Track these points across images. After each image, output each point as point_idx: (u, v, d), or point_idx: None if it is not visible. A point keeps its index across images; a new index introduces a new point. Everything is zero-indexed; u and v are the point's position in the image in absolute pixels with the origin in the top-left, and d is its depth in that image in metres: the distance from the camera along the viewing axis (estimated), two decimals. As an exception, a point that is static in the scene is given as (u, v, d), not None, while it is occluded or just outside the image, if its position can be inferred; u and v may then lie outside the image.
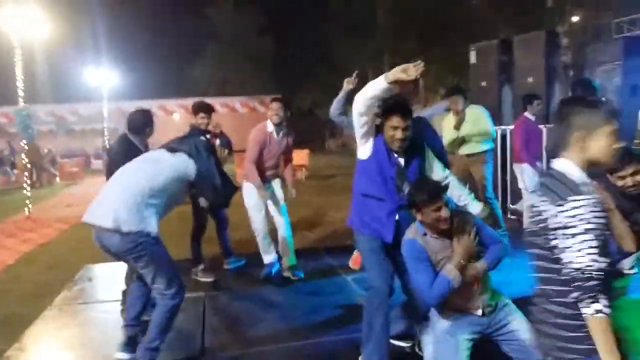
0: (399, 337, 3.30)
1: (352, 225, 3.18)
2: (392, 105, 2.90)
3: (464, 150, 5.72)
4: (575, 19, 13.01)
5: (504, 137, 7.68)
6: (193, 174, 3.29)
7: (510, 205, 7.57)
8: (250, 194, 4.78)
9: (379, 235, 3.04)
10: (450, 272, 2.58)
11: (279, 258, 4.98)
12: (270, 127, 4.78)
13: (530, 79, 7.50)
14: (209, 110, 4.94)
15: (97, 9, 27.09)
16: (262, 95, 27.90)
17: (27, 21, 10.24)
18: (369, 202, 3.06)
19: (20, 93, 10.05)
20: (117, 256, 3.18)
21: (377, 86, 2.67)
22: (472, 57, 8.44)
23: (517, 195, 7.34)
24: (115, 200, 3.04)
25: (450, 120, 5.82)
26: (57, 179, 17.19)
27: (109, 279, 5.23)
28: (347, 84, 3.90)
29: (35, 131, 11.34)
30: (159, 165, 3.23)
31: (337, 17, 21.63)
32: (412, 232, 2.76)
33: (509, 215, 7.51)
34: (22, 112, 10.21)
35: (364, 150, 3.01)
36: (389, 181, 2.99)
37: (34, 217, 9.64)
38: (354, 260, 5.03)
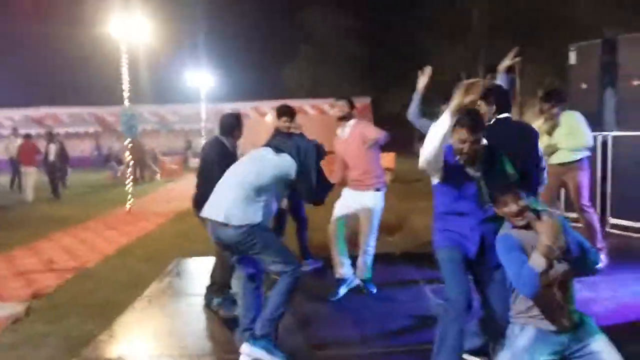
0: (472, 353, 3.18)
1: (434, 245, 3.11)
2: (461, 117, 2.84)
3: (556, 159, 5.36)
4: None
5: (604, 143, 7.15)
6: (294, 174, 3.44)
7: (611, 219, 7.02)
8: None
9: (462, 247, 2.97)
10: (535, 260, 2.50)
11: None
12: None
13: (636, 82, 6.91)
14: (291, 114, 5.02)
15: (197, 15, 28.63)
16: (353, 97, 27.98)
17: (134, 28, 11.03)
18: (450, 218, 3.03)
19: (126, 94, 10.85)
20: (230, 248, 3.43)
21: (443, 129, 2.72)
22: (572, 58, 7.91)
23: (619, 207, 6.81)
24: (227, 197, 3.33)
25: (542, 125, 5.49)
26: (158, 175, 18.36)
27: (198, 273, 5.50)
28: (422, 78, 3.83)
29: (139, 130, 12.18)
30: (265, 164, 3.44)
31: (431, 19, 21.18)
32: (504, 228, 2.78)
33: (608, 229, 6.97)
34: (127, 111, 11.02)
35: (437, 176, 2.99)
36: (470, 197, 2.94)
37: (134, 211, 10.37)
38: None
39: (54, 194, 13.00)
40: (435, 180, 3.04)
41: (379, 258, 5.08)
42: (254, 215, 3.28)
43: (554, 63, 15.15)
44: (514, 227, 2.74)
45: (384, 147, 4.90)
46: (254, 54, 33.86)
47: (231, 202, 3.29)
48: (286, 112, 5.03)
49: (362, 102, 26.45)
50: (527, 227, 2.70)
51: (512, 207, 2.68)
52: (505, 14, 17.21)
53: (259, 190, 3.33)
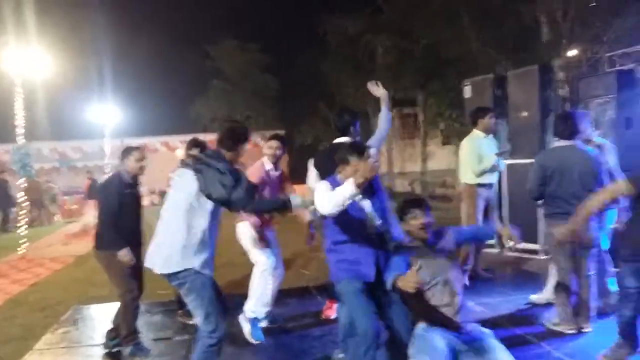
0: None
1: (332, 278, 3.13)
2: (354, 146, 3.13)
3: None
4: (572, 52, 13.11)
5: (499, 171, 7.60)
6: (196, 186, 3.06)
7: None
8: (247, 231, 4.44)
9: (360, 276, 2.99)
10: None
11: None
12: (268, 164, 4.56)
13: (524, 113, 7.48)
14: (202, 146, 4.88)
15: (100, 47, 27.57)
16: (265, 131, 28.15)
17: (29, 61, 10.40)
18: (343, 248, 3.05)
19: (19, 131, 10.12)
20: None
21: (345, 194, 2.76)
22: (467, 92, 8.45)
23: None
24: (158, 244, 3.13)
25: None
26: (57, 216, 17.17)
27: (96, 321, 5.15)
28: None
29: (36, 168, 11.38)
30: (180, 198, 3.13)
31: (338, 55, 21.91)
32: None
33: (506, 252, 7.34)
34: (20, 149, 10.26)
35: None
36: (361, 224, 3.02)
37: (29, 256, 9.56)
38: (326, 310, 4.75)
39: None
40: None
41: (293, 292, 5.00)
42: (191, 259, 3.02)
43: (453, 96, 16.14)
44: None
45: (298, 179, 4.94)
46: (164, 89, 33.14)
47: (163, 249, 3.09)
48: (197, 145, 4.89)
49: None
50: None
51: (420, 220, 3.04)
52: (408, 51, 18.19)
53: (189, 228, 3.04)
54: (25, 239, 9.87)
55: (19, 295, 6.65)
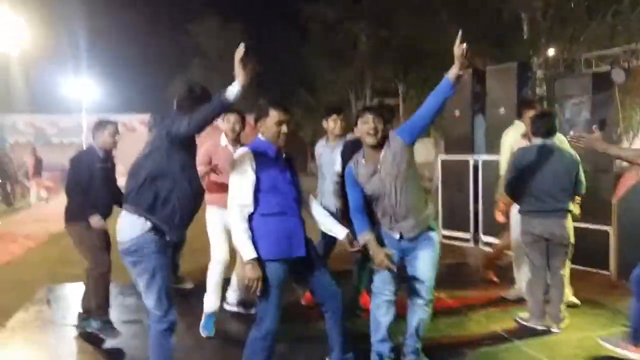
0: None
1: (259, 253, 2.85)
2: (272, 101, 3.10)
3: None
4: (550, 52, 13.32)
5: (476, 167, 7.75)
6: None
7: (482, 236, 7.59)
8: (213, 218, 4.29)
9: (289, 254, 2.92)
10: None
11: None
12: (224, 140, 4.36)
13: (502, 110, 7.60)
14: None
15: (77, 19, 26.92)
16: (246, 114, 27.96)
17: (5, 31, 10.17)
18: (269, 220, 2.91)
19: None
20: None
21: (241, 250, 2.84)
22: (446, 86, 8.54)
23: (491, 227, 7.36)
24: None
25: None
26: (32, 193, 16.88)
27: (70, 300, 5.14)
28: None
29: (10, 142, 11.18)
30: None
31: (318, 42, 21.85)
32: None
33: (480, 246, 7.53)
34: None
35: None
36: (288, 195, 2.98)
37: (1, 232, 9.43)
38: (308, 297, 4.59)
39: None
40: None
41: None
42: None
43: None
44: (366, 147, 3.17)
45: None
46: (144, 65, 32.66)
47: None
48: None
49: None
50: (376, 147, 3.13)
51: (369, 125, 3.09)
52: (388, 42, 18.25)
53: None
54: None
55: (-10, 272, 6.59)
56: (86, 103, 21.88)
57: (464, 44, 2.97)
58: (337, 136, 4.59)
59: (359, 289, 4.58)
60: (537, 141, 4.15)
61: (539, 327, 4.10)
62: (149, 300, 2.90)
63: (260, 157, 2.91)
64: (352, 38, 20.55)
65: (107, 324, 4.14)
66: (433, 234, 3.28)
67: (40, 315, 4.78)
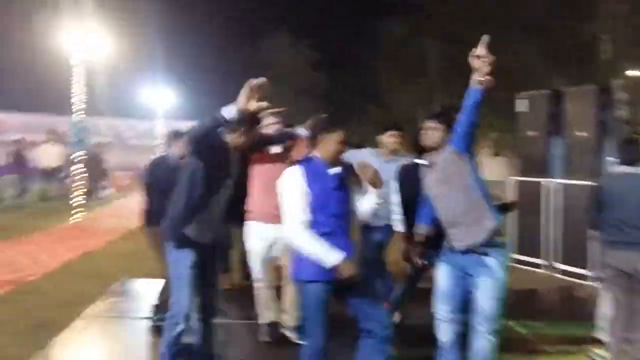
0: None
1: (297, 275, 2.89)
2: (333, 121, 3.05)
3: None
4: (633, 73, 12.66)
5: (550, 190, 7.45)
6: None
7: (556, 264, 7.25)
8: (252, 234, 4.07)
9: (332, 276, 2.80)
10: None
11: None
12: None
13: (581, 133, 7.30)
14: None
15: (157, 31, 28.40)
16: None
17: (90, 40, 10.88)
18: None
19: (78, 106, 10.64)
20: None
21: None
22: (520, 106, 8.28)
23: (567, 254, 7.03)
24: None
25: None
26: (110, 190, 17.81)
27: (144, 295, 5.31)
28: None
29: (92, 142, 11.97)
30: None
31: (389, 57, 21.82)
32: None
33: (555, 274, 7.18)
34: (78, 124, 10.80)
35: None
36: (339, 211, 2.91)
37: (83, 225, 10.02)
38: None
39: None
40: None
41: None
42: None
43: (504, 109, 15.89)
44: None
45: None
46: (215, 77, 33.83)
47: None
48: None
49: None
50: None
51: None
52: (460, 58, 17.99)
53: None
54: (81, 209, 10.35)
55: (72, 262, 7.01)
56: (162, 110, 22.94)
57: (484, 51, 2.87)
58: (391, 151, 4.55)
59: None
60: (623, 169, 3.90)
61: None
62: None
63: (312, 175, 2.85)
64: (423, 54, 20.38)
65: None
66: (491, 261, 3.01)
67: (114, 307, 5.05)
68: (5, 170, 14.44)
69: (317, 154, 2.93)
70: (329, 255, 2.75)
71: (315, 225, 2.82)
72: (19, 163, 13.66)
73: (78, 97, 10.60)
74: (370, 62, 23.08)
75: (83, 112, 10.79)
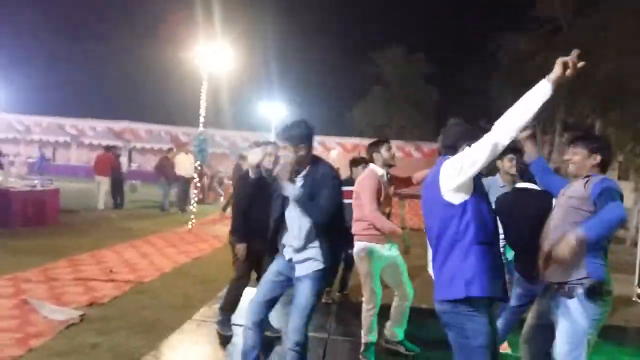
0: None
1: (475, 293, 2.45)
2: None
3: None
4: None
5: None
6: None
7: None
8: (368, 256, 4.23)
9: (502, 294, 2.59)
10: None
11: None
12: (380, 170, 4.36)
13: None
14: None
15: (272, 47, 29.69)
16: (419, 142, 27.94)
17: (217, 55, 11.54)
18: (486, 250, 2.51)
19: (202, 119, 11.31)
20: None
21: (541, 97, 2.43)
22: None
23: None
24: None
25: None
26: (222, 198, 18.79)
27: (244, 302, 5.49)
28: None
29: (209, 154, 12.65)
30: None
31: (507, 73, 20.87)
32: None
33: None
34: (200, 136, 11.46)
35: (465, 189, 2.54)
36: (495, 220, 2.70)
37: (195, 231, 10.61)
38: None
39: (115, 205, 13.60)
40: (458, 197, 2.55)
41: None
42: None
43: (635, 129, 14.49)
44: None
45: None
46: (327, 90, 34.63)
47: None
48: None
49: (430, 146, 26.25)
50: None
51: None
52: (589, 75, 16.74)
53: None
54: (193, 216, 10.99)
55: (184, 266, 7.42)
56: (274, 123, 23.89)
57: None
58: (512, 176, 4.40)
59: None
60: None
61: None
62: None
63: None
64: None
65: (225, 322, 4.63)
66: (574, 304, 2.72)
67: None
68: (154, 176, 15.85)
69: None
70: None
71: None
72: (163, 171, 14.49)
73: (202, 109, 11.27)
74: (483, 77, 22.27)
75: (204, 124, 11.46)
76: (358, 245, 4.28)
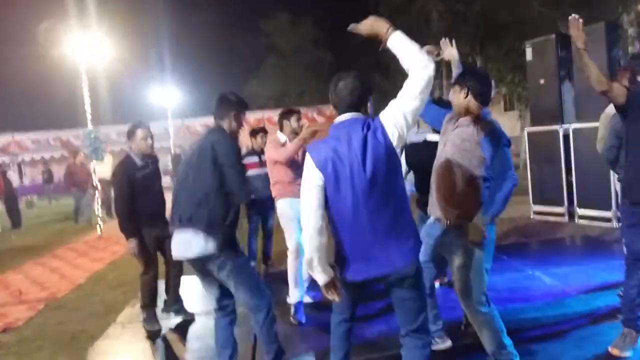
0: None
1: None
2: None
3: None
4: (641, 7, 12.24)
5: (566, 136, 7.33)
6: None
7: (578, 209, 7.18)
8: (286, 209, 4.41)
9: None
10: None
11: None
12: (282, 137, 4.54)
13: (591, 73, 7.09)
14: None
15: (157, 30, 28.40)
16: (320, 106, 28.22)
17: (91, 46, 10.87)
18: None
19: (88, 116, 10.69)
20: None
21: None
22: (528, 54, 8.11)
23: (586, 199, 6.97)
24: None
25: None
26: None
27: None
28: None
29: (105, 151, 11.94)
30: None
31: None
32: None
33: (576, 221, 7.15)
34: (90, 134, 10.84)
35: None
36: None
37: (106, 235, 10.15)
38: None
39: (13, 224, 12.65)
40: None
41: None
42: None
43: (513, 60, 15.53)
44: None
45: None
46: (221, 67, 33.80)
47: None
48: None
49: (331, 109, 26.59)
50: None
51: None
52: (463, 16, 17.62)
53: None
54: (100, 219, 10.48)
55: (99, 272, 7.10)
56: (170, 109, 23.01)
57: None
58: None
59: None
60: None
61: None
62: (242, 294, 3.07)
63: None
64: (425, 16, 19.93)
65: (151, 316, 4.51)
66: None
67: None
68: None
69: None
70: None
71: None
72: (73, 180, 13.06)
73: (86, 106, 10.64)
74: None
75: (91, 121, 10.83)
76: (280, 204, 4.42)
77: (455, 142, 3.02)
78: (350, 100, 2.47)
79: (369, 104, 2.54)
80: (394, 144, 2.34)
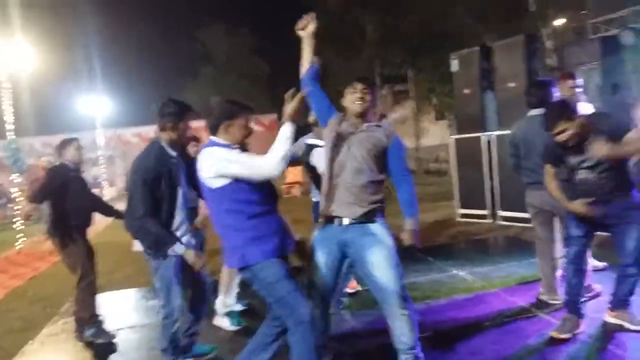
0: None
1: (249, 261, 2.68)
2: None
3: None
4: (559, 22, 13.08)
5: (489, 143, 7.68)
6: None
7: (500, 212, 7.54)
8: None
9: (284, 251, 2.80)
10: None
11: None
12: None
13: (512, 84, 7.50)
14: None
15: (86, 38, 27.35)
16: (258, 115, 28.13)
17: (14, 55, 10.35)
18: (257, 221, 2.73)
19: (9, 126, 10.12)
20: None
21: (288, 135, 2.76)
22: (454, 66, 8.46)
23: (508, 201, 7.31)
24: None
25: None
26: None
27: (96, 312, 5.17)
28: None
29: (26, 164, 11.30)
30: None
31: (326, 34, 21.74)
32: None
33: (499, 222, 7.50)
34: (10, 145, 10.26)
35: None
36: (267, 186, 2.85)
37: (28, 251, 9.60)
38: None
39: None
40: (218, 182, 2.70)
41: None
42: None
43: (441, 71, 16.15)
44: None
45: (293, 161, 4.80)
46: (155, 77, 33.01)
47: None
48: None
49: (269, 118, 26.57)
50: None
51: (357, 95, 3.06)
52: (396, 28, 18.11)
53: None
54: (22, 234, 9.90)
55: (17, 289, 6.71)
56: (100, 118, 22.17)
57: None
58: None
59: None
60: (532, 112, 3.95)
61: (552, 302, 3.96)
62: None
63: None
64: (360, 27, 20.36)
65: (102, 330, 4.35)
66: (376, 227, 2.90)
67: (67, 327, 4.83)
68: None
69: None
70: None
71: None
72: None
73: (7, 116, 10.09)
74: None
75: (13, 132, 10.27)
76: None
77: (366, 146, 3.01)
78: (209, 121, 2.84)
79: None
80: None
